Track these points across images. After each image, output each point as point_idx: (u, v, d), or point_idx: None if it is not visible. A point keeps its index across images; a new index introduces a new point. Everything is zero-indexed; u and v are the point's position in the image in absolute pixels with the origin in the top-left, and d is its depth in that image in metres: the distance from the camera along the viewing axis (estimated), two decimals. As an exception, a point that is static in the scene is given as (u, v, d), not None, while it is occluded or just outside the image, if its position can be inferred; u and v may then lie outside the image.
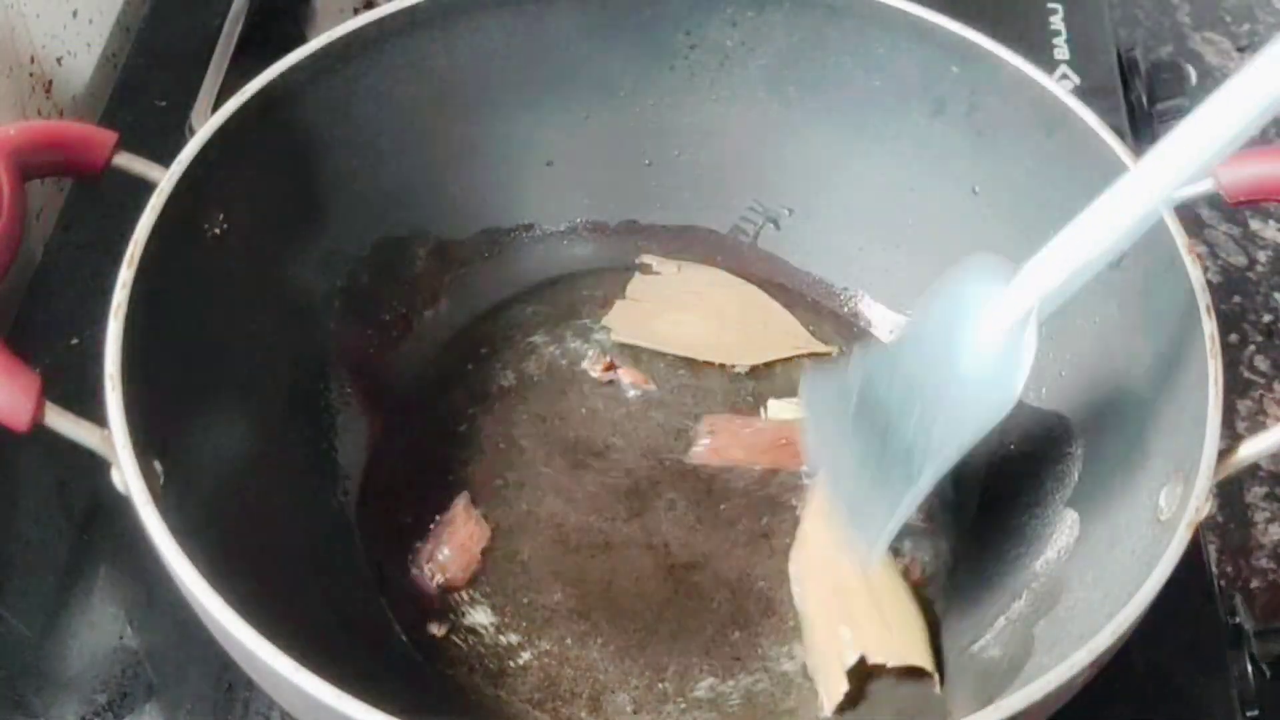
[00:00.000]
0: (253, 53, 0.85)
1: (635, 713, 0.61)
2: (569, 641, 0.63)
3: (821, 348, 0.73)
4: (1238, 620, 0.66)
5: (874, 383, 0.59)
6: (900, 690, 0.61)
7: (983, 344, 0.54)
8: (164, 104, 0.85)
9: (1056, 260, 0.53)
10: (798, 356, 0.73)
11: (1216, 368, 0.54)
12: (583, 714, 0.61)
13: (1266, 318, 0.86)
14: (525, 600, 0.64)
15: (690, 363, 0.73)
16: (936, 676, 0.61)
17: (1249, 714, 0.64)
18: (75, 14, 0.84)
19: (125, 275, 0.55)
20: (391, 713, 0.45)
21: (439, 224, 0.73)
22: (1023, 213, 0.67)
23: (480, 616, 0.64)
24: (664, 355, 0.73)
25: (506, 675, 0.62)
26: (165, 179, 0.58)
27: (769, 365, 0.73)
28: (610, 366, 0.72)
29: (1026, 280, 0.53)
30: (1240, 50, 1.00)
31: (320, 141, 0.66)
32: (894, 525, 0.57)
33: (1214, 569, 0.69)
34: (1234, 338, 0.85)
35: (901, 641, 0.61)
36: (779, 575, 0.65)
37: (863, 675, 0.61)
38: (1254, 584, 0.74)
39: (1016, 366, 0.53)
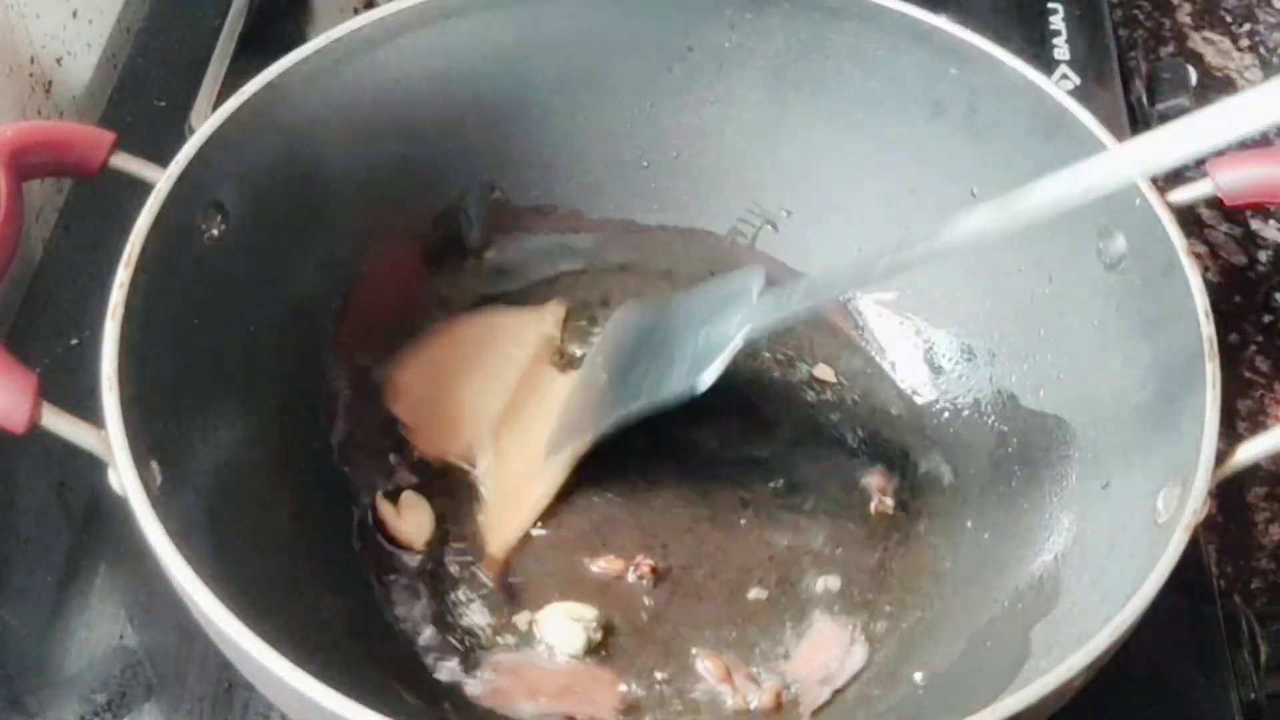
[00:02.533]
0: (253, 53, 0.85)
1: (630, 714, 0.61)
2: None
3: None
4: (1237, 621, 0.66)
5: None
6: (888, 694, 0.62)
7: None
8: (164, 104, 0.85)
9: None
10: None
11: (1214, 371, 0.54)
12: (578, 715, 0.61)
13: (1266, 318, 0.85)
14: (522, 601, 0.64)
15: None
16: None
17: (1249, 715, 0.64)
18: (75, 14, 0.84)
19: (122, 276, 0.55)
20: (389, 714, 0.45)
21: (437, 225, 0.73)
22: (1021, 214, 0.67)
23: (478, 618, 0.64)
24: None
25: (504, 676, 0.62)
26: (163, 179, 0.58)
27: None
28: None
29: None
30: (1240, 51, 0.99)
31: (319, 142, 0.66)
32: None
33: (1214, 569, 0.69)
34: (1234, 338, 0.84)
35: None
36: (777, 579, 0.65)
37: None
38: (1254, 584, 0.74)
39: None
